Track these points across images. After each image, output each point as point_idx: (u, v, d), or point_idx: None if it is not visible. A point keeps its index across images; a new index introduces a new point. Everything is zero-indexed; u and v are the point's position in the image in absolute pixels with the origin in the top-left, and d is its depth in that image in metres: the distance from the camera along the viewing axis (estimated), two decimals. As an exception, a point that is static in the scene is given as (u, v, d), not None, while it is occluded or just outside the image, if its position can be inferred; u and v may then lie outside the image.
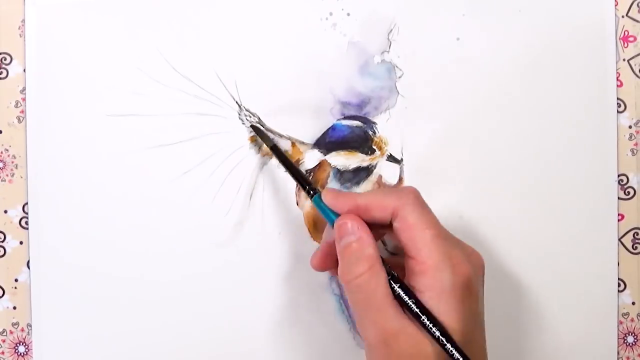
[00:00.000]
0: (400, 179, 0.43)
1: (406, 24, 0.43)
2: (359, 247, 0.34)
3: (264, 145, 0.43)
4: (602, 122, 0.43)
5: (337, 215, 0.36)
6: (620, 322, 0.44)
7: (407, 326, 0.32)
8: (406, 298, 0.32)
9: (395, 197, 0.34)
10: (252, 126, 0.42)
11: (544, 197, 0.43)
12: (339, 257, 0.35)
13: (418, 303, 0.32)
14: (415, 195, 0.34)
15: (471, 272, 0.32)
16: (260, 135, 0.42)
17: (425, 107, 0.43)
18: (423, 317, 0.32)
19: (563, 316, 0.43)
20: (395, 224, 0.34)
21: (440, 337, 0.31)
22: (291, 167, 0.40)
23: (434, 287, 0.32)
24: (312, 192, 0.38)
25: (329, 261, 0.37)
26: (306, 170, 0.43)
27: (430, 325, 0.31)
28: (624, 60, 0.43)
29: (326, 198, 0.36)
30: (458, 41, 0.43)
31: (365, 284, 0.33)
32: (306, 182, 0.39)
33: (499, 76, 0.43)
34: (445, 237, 0.33)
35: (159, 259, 0.43)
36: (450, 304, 0.32)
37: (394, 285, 0.33)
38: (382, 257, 0.34)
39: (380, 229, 0.35)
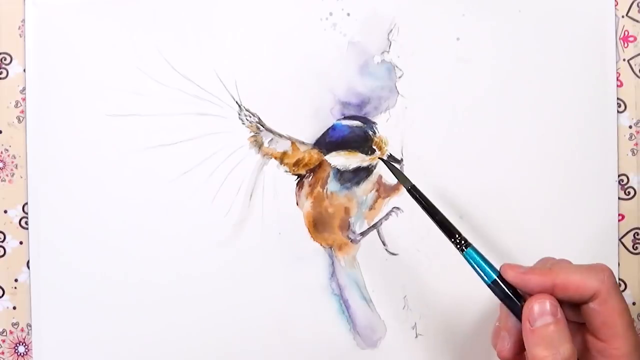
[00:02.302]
0: (400, 179, 0.43)
1: (406, 24, 0.43)
2: (562, 328, 0.33)
3: (264, 145, 0.43)
4: (602, 122, 0.43)
5: (497, 273, 0.34)
6: (620, 322, 0.44)
7: None
8: None
9: (596, 278, 0.33)
10: (385, 162, 0.40)
11: (544, 197, 0.43)
12: (532, 339, 0.33)
13: None
14: (614, 278, 0.34)
15: None
16: (396, 174, 0.39)
17: (425, 107, 0.43)
18: None
19: (563, 316, 0.43)
20: (594, 306, 0.33)
21: None
22: (435, 213, 0.36)
23: None
24: (461, 243, 0.35)
25: (521, 349, 0.35)
26: (306, 170, 0.43)
27: None
28: (624, 60, 0.43)
29: (509, 275, 0.34)
30: (458, 41, 0.43)
31: None
32: (454, 230, 0.36)
33: (499, 76, 0.43)
34: (633, 325, 0.33)
35: (159, 258, 0.43)
36: None
37: None
38: None
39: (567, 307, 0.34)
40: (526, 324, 0.33)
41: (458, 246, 0.35)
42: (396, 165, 0.43)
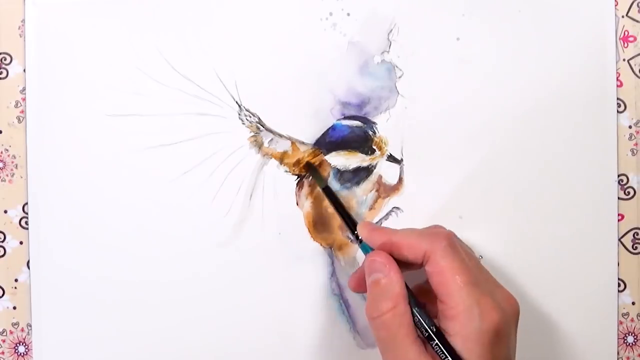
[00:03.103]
0: (400, 179, 0.43)
1: (406, 24, 0.43)
2: (385, 285, 0.35)
3: (264, 145, 0.43)
4: (602, 122, 0.43)
5: (370, 249, 0.37)
6: (620, 322, 0.44)
7: None
8: (430, 332, 0.34)
9: (428, 240, 0.35)
10: (307, 163, 0.43)
11: (544, 197, 0.43)
12: (367, 292, 0.35)
13: (443, 340, 0.33)
14: (448, 240, 0.35)
15: (501, 318, 0.33)
16: (314, 174, 0.42)
17: (425, 107, 0.43)
18: (446, 356, 0.33)
19: (563, 316, 0.43)
20: (427, 268, 0.35)
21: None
22: (341, 209, 0.41)
23: (462, 332, 0.33)
24: (359, 237, 0.39)
25: (364, 286, 0.37)
26: (306, 170, 0.43)
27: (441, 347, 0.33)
28: (624, 60, 0.43)
29: (362, 231, 0.38)
30: (458, 41, 0.43)
31: (388, 321, 0.34)
32: (354, 226, 0.39)
33: (499, 76, 0.43)
34: (476, 284, 0.34)
35: (159, 259, 0.43)
36: (476, 349, 0.32)
37: (422, 320, 0.34)
38: (410, 291, 0.35)
39: (411, 266, 0.36)
40: (366, 279, 0.36)
41: (357, 238, 0.39)
42: (396, 165, 0.43)
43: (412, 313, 0.34)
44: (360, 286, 0.38)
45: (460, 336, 0.33)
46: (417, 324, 0.34)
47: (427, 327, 0.34)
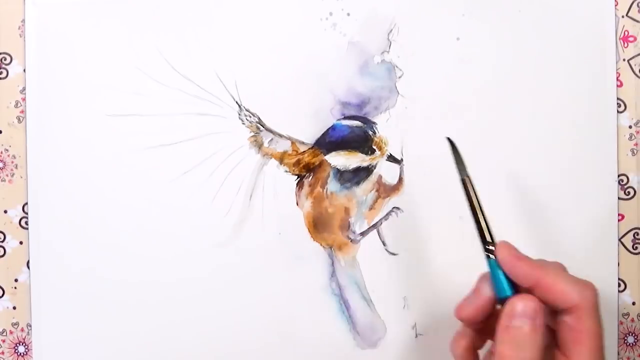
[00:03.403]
0: (400, 179, 0.43)
1: (406, 24, 0.43)
2: (533, 334, 0.32)
3: (264, 145, 0.43)
4: (602, 122, 0.43)
5: (512, 290, 0.33)
6: (620, 323, 0.44)
7: None
8: None
9: (580, 291, 0.33)
10: (449, 139, 0.37)
11: (544, 197, 0.43)
12: (503, 335, 0.33)
13: None
14: (597, 298, 0.33)
15: None
16: (457, 156, 0.37)
17: (425, 107, 0.43)
18: None
19: (563, 316, 0.43)
20: (569, 320, 0.33)
21: None
22: (478, 212, 0.35)
23: None
24: (489, 253, 0.34)
25: (481, 315, 0.35)
26: (306, 170, 0.43)
27: None
28: (624, 60, 0.43)
29: (502, 255, 0.34)
30: (458, 41, 0.43)
31: None
32: (490, 236, 0.35)
33: (499, 76, 0.43)
34: (603, 349, 0.33)
35: (159, 259, 0.43)
36: None
37: None
38: None
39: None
40: (504, 319, 0.33)
41: (487, 252, 0.34)
42: (396, 165, 0.43)
43: None
44: (476, 317, 0.34)
45: None
46: None
47: None
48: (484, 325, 0.35)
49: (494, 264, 0.34)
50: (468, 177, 0.36)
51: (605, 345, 0.33)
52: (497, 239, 0.35)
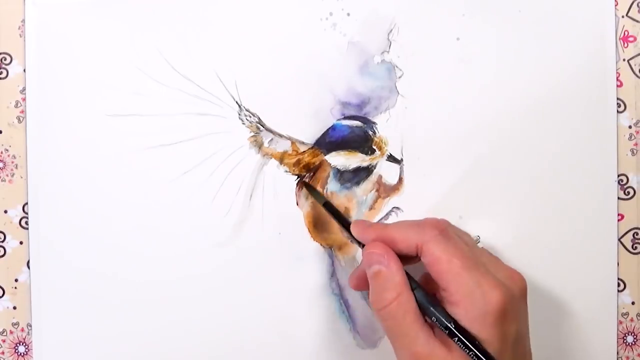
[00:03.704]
0: (400, 179, 0.43)
1: (406, 24, 0.43)
2: (386, 275, 0.35)
3: (264, 145, 0.43)
4: (602, 122, 0.43)
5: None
6: (619, 322, 0.44)
7: (437, 349, 0.33)
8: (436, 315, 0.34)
9: (417, 232, 0.35)
10: (303, 182, 0.43)
11: (544, 197, 0.43)
12: (370, 285, 0.36)
13: (452, 321, 0.33)
14: (439, 229, 0.35)
15: (505, 296, 0.33)
16: (311, 191, 0.42)
17: (425, 107, 0.43)
18: (456, 336, 0.33)
19: (563, 316, 0.43)
20: (423, 259, 0.35)
21: (475, 350, 0.32)
22: (343, 221, 0.40)
23: (468, 316, 0.33)
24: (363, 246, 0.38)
25: (365, 283, 0.37)
26: (306, 170, 0.43)
27: (460, 343, 0.32)
28: (624, 60, 0.43)
29: (354, 230, 0.38)
30: (458, 41, 0.43)
31: (394, 311, 0.34)
32: (347, 224, 0.39)
33: (499, 76, 0.43)
34: (474, 267, 0.34)
35: (159, 258, 0.43)
36: (484, 330, 0.32)
37: (428, 306, 0.34)
38: (412, 278, 0.35)
39: (409, 260, 0.36)
40: (366, 270, 0.36)
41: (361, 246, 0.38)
42: (396, 165, 0.43)
43: (417, 299, 0.34)
44: (361, 284, 0.38)
45: (466, 320, 0.33)
46: (422, 309, 0.34)
47: (431, 309, 0.34)
48: None
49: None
50: (327, 202, 0.41)
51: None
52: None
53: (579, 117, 0.43)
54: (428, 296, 0.35)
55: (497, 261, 0.36)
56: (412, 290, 0.34)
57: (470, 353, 0.32)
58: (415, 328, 0.33)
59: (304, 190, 0.43)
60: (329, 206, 0.41)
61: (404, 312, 0.34)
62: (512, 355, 0.33)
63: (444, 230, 0.35)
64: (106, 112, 0.42)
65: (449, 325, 0.33)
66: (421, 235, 0.35)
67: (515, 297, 0.34)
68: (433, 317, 0.34)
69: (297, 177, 0.43)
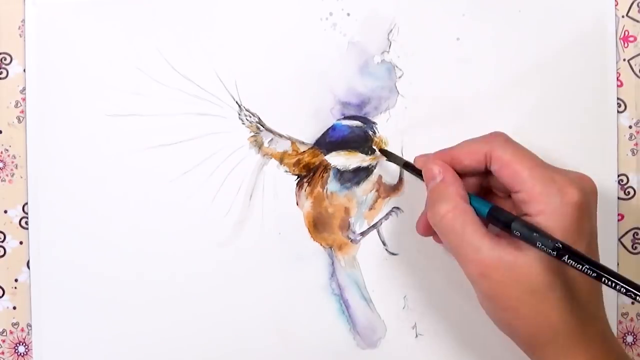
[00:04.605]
0: (400, 179, 0.43)
1: (406, 24, 0.43)
2: (440, 187, 0.34)
3: (264, 145, 0.43)
4: (602, 122, 0.43)
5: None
6: (619, 322, 0.44)
7: (503, 255, 0.32)
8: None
9: (483, 142, 0.35)
10: (380, 149, 0.42)
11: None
12: (427, 202, 0.35)
13: (523, 222, 0.32)
14: (504, 137, 0.35)
15: (580, 192, 0.32)
16: (388, 155, 0.42)
17: (425, 107, 0.43)
18: (535, 233, 0.31)
19: (563, 316, 0.43)
20: (493, 167, 0.34)
21: (558, 244, 0.31)
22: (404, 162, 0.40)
23: (545, 209, 0.32)
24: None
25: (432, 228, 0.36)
26: (306, 170, 0.43)
27: (541, 239, 0.31)
28: (624, 60, 0.43)
29: (418, 162, 0.37)
30: (458, 41, 0.43)
31: (451, 222, 0.33)
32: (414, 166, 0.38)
33: (499, 76, 0.43)
34: (545, 165, 0.33)
35: (159, 258, 0.43)
36: (561, 222, 0.31)
37: (494, 213, 0.33)
38: (475, 196, 0.34)
39: (476, 178, 0.36)
40: (426, 189, 0.35)
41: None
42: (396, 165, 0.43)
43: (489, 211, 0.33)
44: (428, 227, 0.36)
45: (543, 214, 0.32)
46: (495, 221, 0.33)
47: (498, 211, 0.33)
48: None
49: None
50: (407, 161, 0.40)
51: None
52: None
53: (579, 117, 0.43)
54: (497, 207, 0.33)
55: (562, 169, 0.35)
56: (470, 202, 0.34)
57: (543, 247, 0.31)
58: (477, 237, 0.32)
59: (304, 190, 0.43)
60: (409, 166, 0.39)
61: (462, 223, 0.32)
62: (586, 251, 0.32)
63: (508, 137, 0.35)
64: (106, 112, 0.42)
65: (519, 220, 0.32)
66: (489, 144, 0.34)
67: (588, 196, 0.33)
68: (496, 218, 0.33)
69: (297, 177, 0.43)
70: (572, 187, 0.32)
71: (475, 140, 0.35)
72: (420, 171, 0.37)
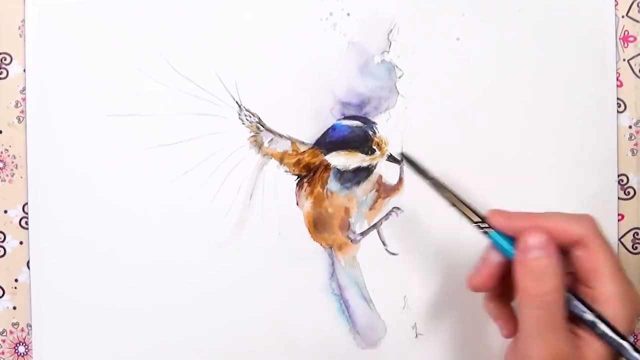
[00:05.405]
0: (400, 179, 0.43)
1: (406, 24, 0.43)
2: (550, 263, 0.33)
3: (264, 145, 0.43)
4: (602, 122, 0.43)
5: (511, 238, 0.34)
6: (620, 322, 0.44)
7: (576, 349, 0.32)
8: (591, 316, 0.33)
9: (578, 225, 0.34)
10: (405, 158, 0.41)
11: (544, 197, 0.43)
12: (521, 269, 0.33)
13: (602, 319, 0.33)
14: (597, 226, 0.34)
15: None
16: (416, 168, 0.38)
17: (425, 107, 0.43)
18: (611, 334, 0.32)
19: (563, 316, 0.43)
20: (578, 253, 0.34)
21: (630, 346, 0.32)
22: (458, 202, 0.37)
23: (615, 316, 0.33)
24: (486, 228, 0.35)
25: (491, 282, 0.36)
26: (306, 170, 0.43)
27: (617, 338, 0.32)
28: (624, 60, 0.43)
29: (496, 220, 0.35)
30: (458, 41, 0.43)
31: (551, 302, 0.33)
32: (477, 215, 0.36)
33: (499, 76, 0.43)
34: (622, 271, 0.34)
35: (159, 258, 0.43)
36: (627, 331, 0.33)
37: (576, 301, 0.33)
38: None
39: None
40: (519, 256, 0.33)
41: (483, 229, 0.36)
42: (396, 165, 0.43)
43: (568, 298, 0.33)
44: (487, 283, 0.36)
45: (613, 320, 0.32)
46: (575, 309, 0.33)
47: (588, 310, 0.33)
48: (501, 293, 0.36)
49: (494, 234, 0.35)
50: (434, 177, 0.37)
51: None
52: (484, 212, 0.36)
53: (579, 117, 0.43)
54: (576, 294, 0.34)
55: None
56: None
57: (619, 350, 0.32)
58: (563, 324, 0.32)
59: (304, 190, 0.43)
60: (437, 184, 0.37)
61: (558, 306, 0.32)
62: None
63: (599, 227, 0.34)
64: (106, 112, 0.42)
65: (606, 322, 0.32)
66: (583, 229, 0.34)
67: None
68: (587, 314, 0.33)
69: (297, 177, 0.43)
70: (638, 300, 0.33)
71: (569, 220, 0.34)
72: (450, 196, 0.36)
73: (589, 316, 0.33)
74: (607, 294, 0.33)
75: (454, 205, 0.37)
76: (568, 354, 0.32)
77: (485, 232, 0.35)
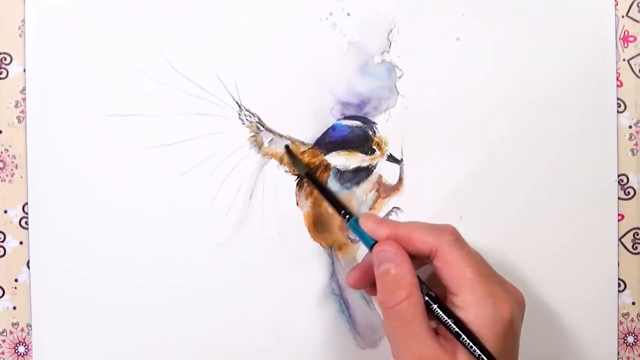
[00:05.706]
0: (400, 179, 0.43)
1: (406, 24, 0.43)
2: (398, 274, 0.34)
3: (264, 145, 0.43)
4: (602, 122, 0.43)
5: (375, 241, 0.37)
6: (620, 322, 0.44)
7: (442, 353, 0.33)
8: (447, 319, 0.34)
9: (433, 235, 0.35)
10: (286, 148, 0.43)
11: (544, 197, 0.43)
12: (377, 283, 0.35)
13: (458, 323, 0.33)
14: (455, 235, 0.35)
15: (511, 309, 0.34)
16: (293, 160, 0.42)
17: (425, 107, 0.43)
18: (463, 337, 0.33)
19: (563, 316, 0.43)
20: (435, 262, 0.35)
21: (481, 354, 0.32)
22: (326, 192, 0.41)
23: (476, 322, 0.33)
24: (348, 216, 0.39)
25: (365, 281, 0.38)
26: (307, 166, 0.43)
27: (470, 343, 0.33)
28: (624, 60, 0.43)
29: (366, 224, 0.37)
30: (458, 41, 0.43)
31: (404, 311, 0.34)
32: (341, 207, 0.40)
33: (499, 76, 0.43)
34: (485, 275, 0.34)
35: (159, 259, 0.43)
36: (490, 337, 0.33)
37: (433, 305, 0.34)
38: (420, 280, 0.35)
39: (419, 259, 0.36)
40: (375, 270, 0.36)
41: (345, 218, 0.39)
42: (396, 165, 0.43)
43: (426, 301, 0.34)
44: (360, 282, 0.38)
45: (473, 325, 0.33)
46: (431, 312, 0.34)
47: (444, 314, 0.34)
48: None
49: (354, 223, 0.38)
50: (309, 172, 0.42)
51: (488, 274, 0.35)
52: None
53: (579, 117, 0.43)
54: (438, 299, 0.35)
55: (500, 276, 0.37)
56: (422, 292, 0.34)
57: (479, 356, 0.32)
58: (424, 330, 0.33)
59: (304, 190, 0.43)
60: (311, 177, 0.41)
61: (413, 313, 0.33)
62: None
63: (459, 236, 0.36)
64: (106, 112, 0.42)
65: (461, 328, 0.33)
66: (438, 239, 0.35)
67: (517, 313, 0.35)
68: (445, 319, 0.34)
69: (297, 177, 0.43)
70: (506, 303, 0.34)
71: (426, 230, 0.36)
72: (319, 184, 0.41)
73: (448, 321, 0.34)
74: (466, 300, 0.33)
75: (328, 198, 0.41)
76: (435, 357, 0.33)
77: (348, 221, 0.39)
